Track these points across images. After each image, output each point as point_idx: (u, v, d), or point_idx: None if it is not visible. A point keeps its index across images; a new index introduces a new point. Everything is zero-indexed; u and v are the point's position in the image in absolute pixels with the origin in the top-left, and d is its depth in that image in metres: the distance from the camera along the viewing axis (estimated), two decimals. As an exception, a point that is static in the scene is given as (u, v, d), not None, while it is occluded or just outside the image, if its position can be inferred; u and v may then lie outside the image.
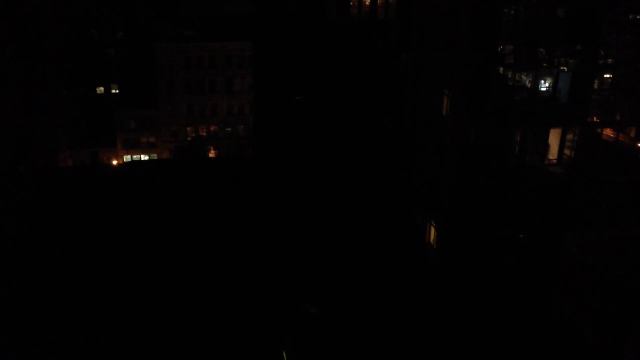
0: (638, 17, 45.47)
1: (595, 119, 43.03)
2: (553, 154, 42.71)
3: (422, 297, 42.80)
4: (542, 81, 42.52)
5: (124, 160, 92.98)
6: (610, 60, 43.59)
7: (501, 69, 42.01)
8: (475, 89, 40.97)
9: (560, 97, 41.92)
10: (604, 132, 43.59)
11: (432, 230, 48.73)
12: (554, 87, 41.57)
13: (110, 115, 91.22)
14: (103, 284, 48.56)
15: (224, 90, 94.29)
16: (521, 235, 43.75)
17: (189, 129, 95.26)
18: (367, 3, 67.50)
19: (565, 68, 41.34)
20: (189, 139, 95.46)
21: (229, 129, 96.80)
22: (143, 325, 44.82)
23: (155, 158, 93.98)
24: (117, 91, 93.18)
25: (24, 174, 76.72)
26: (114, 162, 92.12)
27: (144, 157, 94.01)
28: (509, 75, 41.70)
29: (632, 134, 43.76)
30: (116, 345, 42.43)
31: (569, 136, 42.14)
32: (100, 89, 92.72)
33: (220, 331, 46.58)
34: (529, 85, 42.09)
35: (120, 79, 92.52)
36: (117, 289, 47.94)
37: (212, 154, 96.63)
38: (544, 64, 41.36)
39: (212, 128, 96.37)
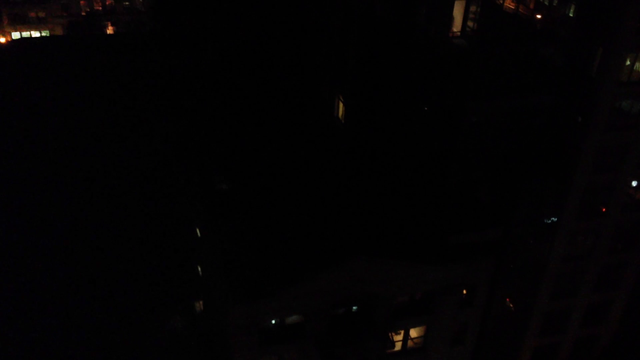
0: None
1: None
2: (457, 26, 43.26)
3: (329, 167, 43.92)
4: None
5: (12, 37, 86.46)
6: None
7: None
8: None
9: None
10: (505, 4, 44.34)
11: (340, 105, 49.23)
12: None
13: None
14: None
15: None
16: (425, 108, 45.10)
17: (82, 2, 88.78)
18: None
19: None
20: (83, 13, 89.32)
21: (127, 2, 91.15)
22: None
23: (48, 35, 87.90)
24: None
25: None
26: (2, 40, 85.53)
27: (35, 34, 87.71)
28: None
29: (532, 6, 44.82)
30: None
31: (472, 8, 42.68)
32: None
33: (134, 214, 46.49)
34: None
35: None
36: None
37: (109, 30, 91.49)
38: None
39: (108, 2, 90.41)
